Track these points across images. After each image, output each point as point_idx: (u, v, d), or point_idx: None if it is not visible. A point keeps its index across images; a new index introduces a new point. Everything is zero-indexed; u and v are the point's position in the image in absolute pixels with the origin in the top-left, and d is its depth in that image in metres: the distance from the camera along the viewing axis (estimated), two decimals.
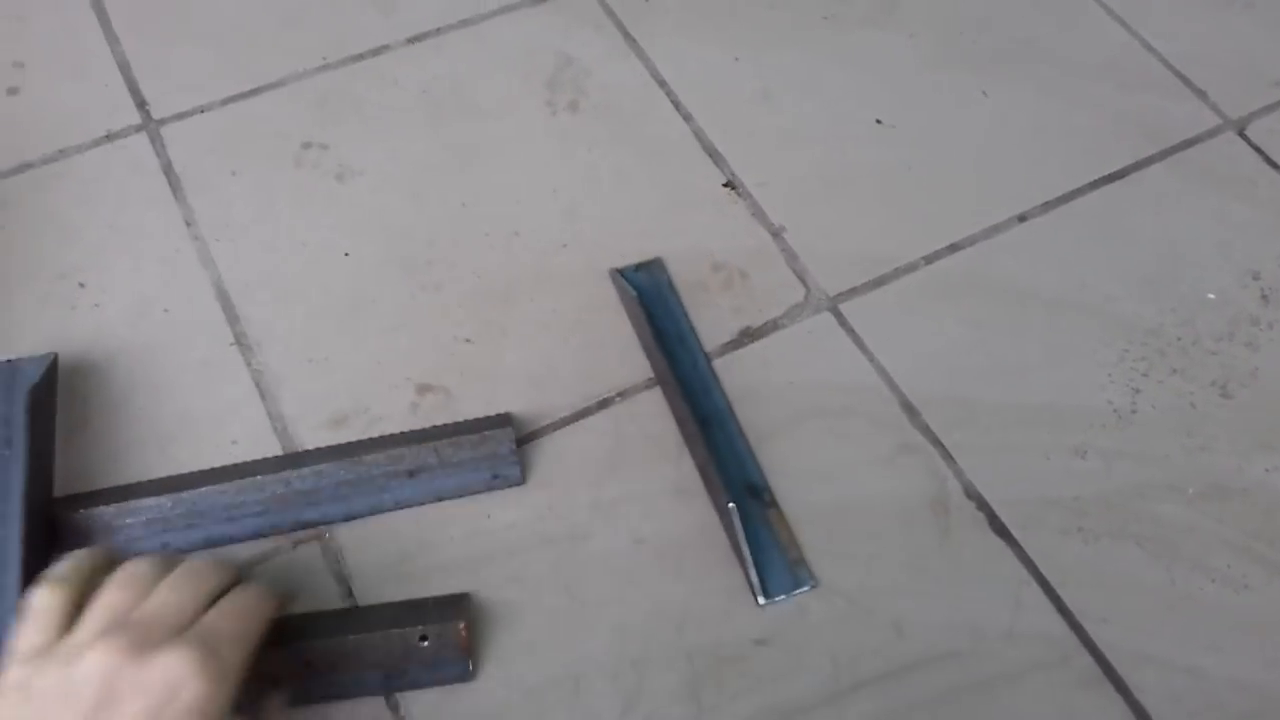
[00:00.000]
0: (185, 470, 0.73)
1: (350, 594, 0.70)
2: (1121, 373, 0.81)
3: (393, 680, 0.66)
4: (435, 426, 0.75)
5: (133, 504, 0.70)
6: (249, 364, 0.79)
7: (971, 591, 0.72)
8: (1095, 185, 0.91)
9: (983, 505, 0.75)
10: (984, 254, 0.87)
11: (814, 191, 0.90)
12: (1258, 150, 0.94)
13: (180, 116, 0.91)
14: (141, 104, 0.91)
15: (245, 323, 0.81)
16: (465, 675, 0.67)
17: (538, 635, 0.69)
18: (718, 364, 0.80)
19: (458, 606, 0.68)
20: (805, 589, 0.70)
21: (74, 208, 0.86)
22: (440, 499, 0.73)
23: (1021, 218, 0.89)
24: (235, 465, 0.73)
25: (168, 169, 0.88)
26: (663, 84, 0.95)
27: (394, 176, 0.89)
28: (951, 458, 0.77)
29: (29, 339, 0.79)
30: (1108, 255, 0.87)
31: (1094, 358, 0.82)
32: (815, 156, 0.92)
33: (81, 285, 0.82)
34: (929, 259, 0.86)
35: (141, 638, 0.52)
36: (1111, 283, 0.85)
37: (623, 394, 0.79)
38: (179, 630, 0.53)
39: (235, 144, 0.90)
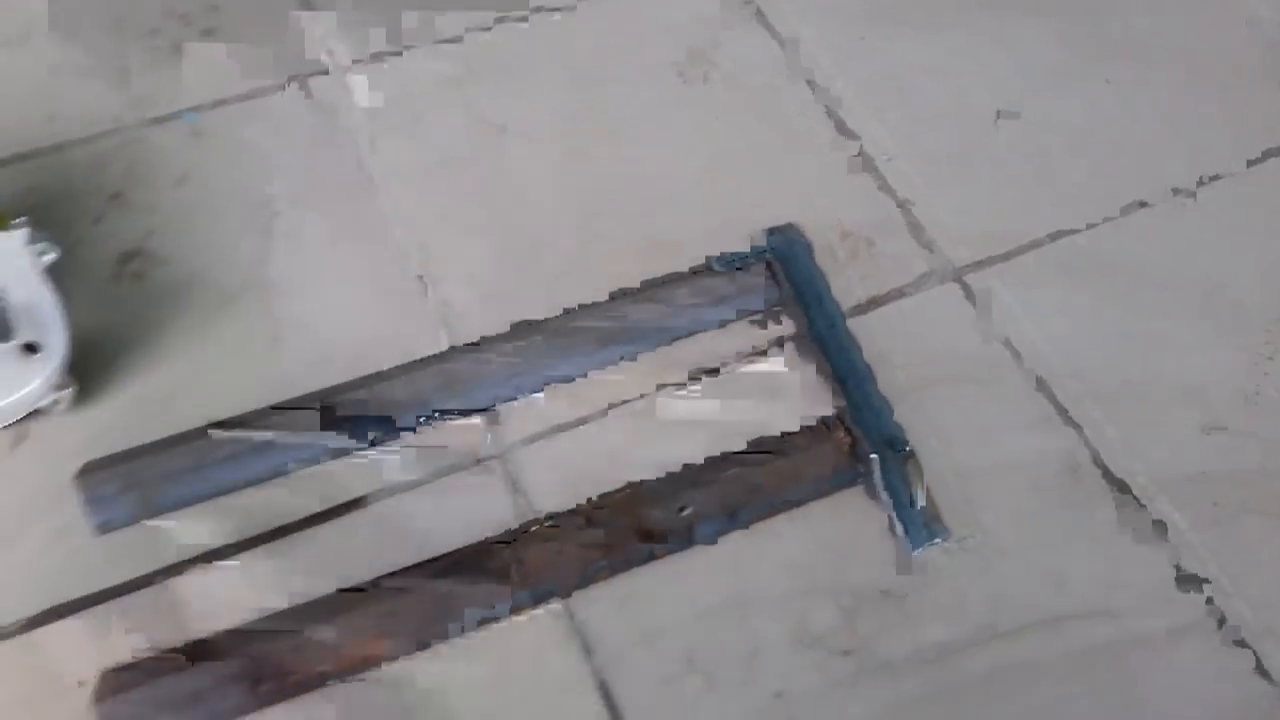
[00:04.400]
0: None
1: None
2: (1248, 355, 0.85)
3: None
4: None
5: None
6: (432, 294, 0.85)
7: (1096, 553, 0.76)
8: (1220, 176, 0.95)
9: (1110, 475, 0.80)
10: (1108, 236, 0.91)
11: (941, 168, 0.94)
12: None
13: (366, 63, 0.96)
14: (329, 51, 0.97)
15: (428, 257, 0.86)
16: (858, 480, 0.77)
17: (711, 559, 0.74)
18: (851, 325, 0.85)
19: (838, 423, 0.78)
20: (940, 541, 0.75)
21: (269, 143, 0.92)
22: (724, 325, 0.83)
23: (1144, 204, 0.93)
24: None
25: (356, 112, 0.94)
26: (795, 61, 1.01)
27: (551, 136, 0.94)
28: (1079, 427, 0.81)
29: (230, 260, 0.85)
30: (1231, 244, 0.91)
31: (1220, 340, 0.86)
32: (942, 135, 0.96)
33: (278, 214, 0.88)
34: (1054, 237, 0.91)
35: None
36: (1234, 270, 0.90)
37: (764, 350, 0.84)
38: None
39: (416, 94, 0.95)
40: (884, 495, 0.75)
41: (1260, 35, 1.05)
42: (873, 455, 0.76)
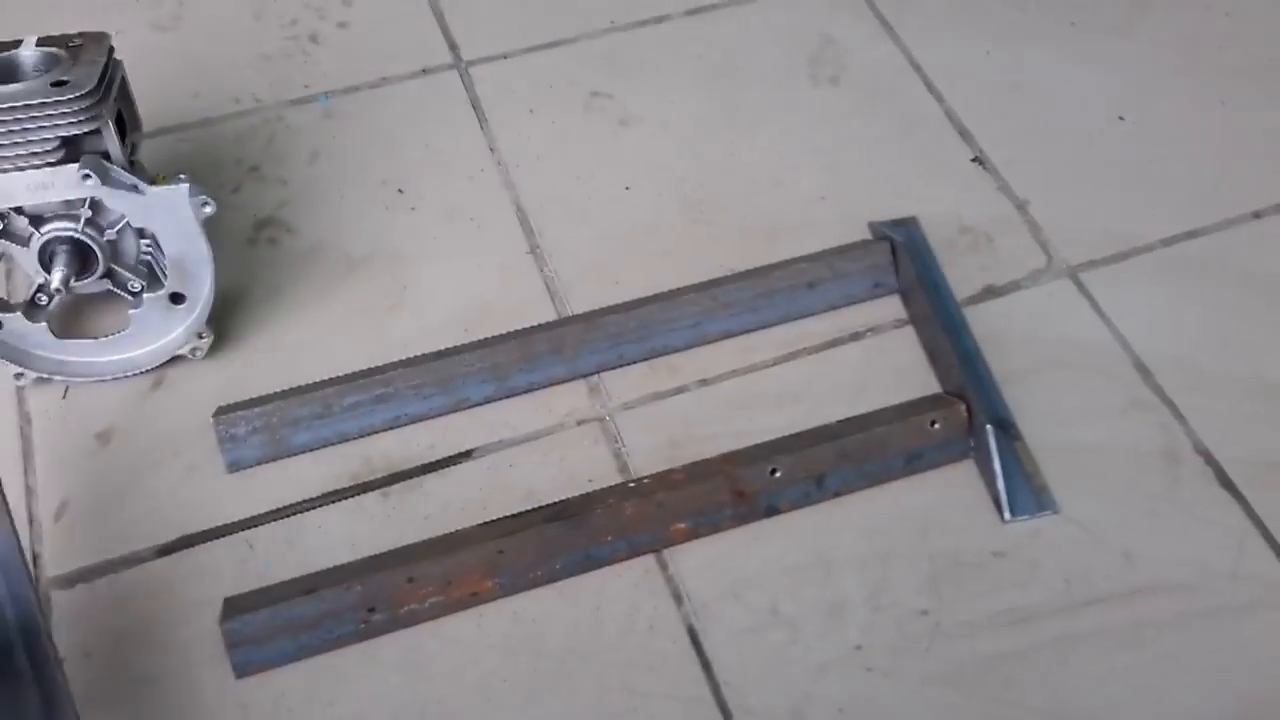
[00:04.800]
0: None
1: None
2: None
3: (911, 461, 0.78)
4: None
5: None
6: (541, 270, 0.89)
7: (1198, 534, 0.77)
8: None
9: (1211, 461, 0.80)
10: (1219, 243, 0.92)
11: (1058, 172, 0.96)
12: None
13: (487, 59, 1.03)
14: (453, 46, 1.04)
15: (539, 236, 0.91)
16: (968, 453, 0.79)
17: (801, 522, 0.77)
18: (965, 313, 0.87)
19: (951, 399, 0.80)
20: (1049, 512, 0.77)
21: (394, 127, 0.98)
22: (833, 308, 0.87)
23: (1257, 214, 0.94)
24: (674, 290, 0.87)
25: (475, 103, 1.00)
26: (917, 67, 1.04)
27: (670, 126, 0.99)
28: (1182, 416, 0.82)
29: (356, 231, 0.91)
30: None
31: None
32: (1060, 142, 0.99)
33: (400, 191, 0.94)
34: (1166, 242, 0.92)
35: None
36: None
37: (874, 329, 0.87)
38: None
39: (533, 87, 1.01)
40: (997, 466, 0.77)
41: None
42: (987, 427, 0.78)
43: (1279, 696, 0.70)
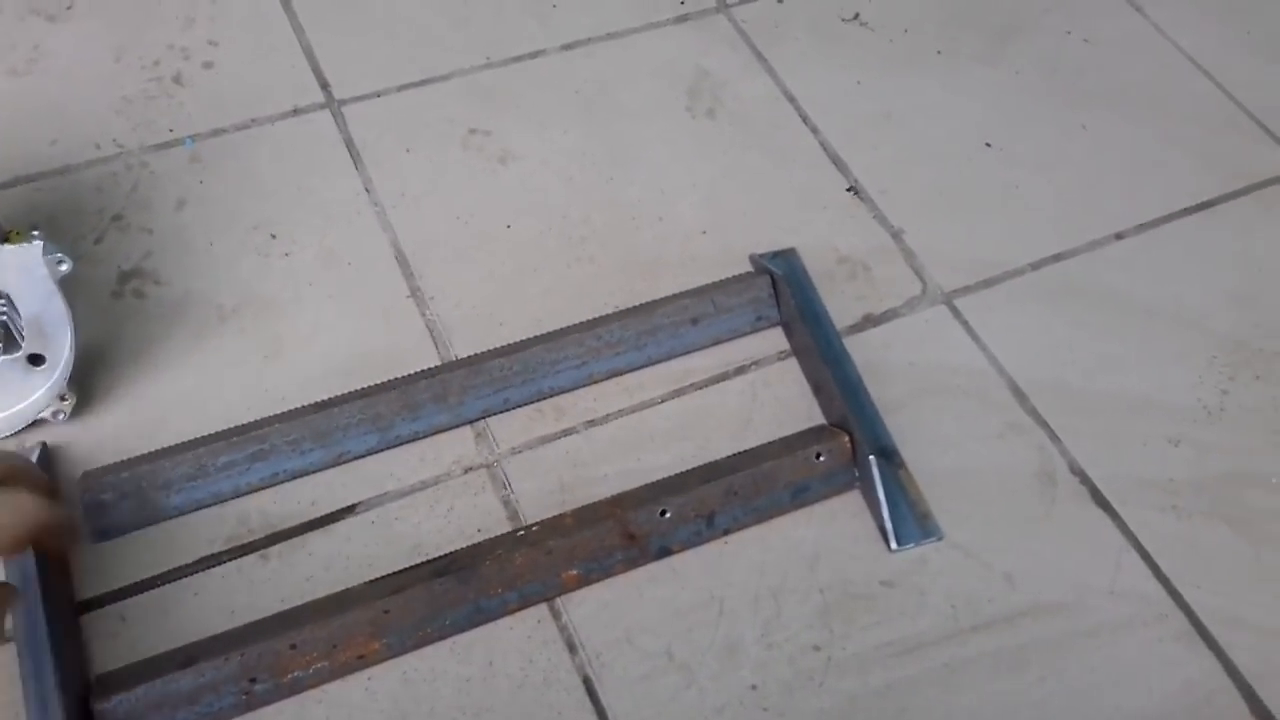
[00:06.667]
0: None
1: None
2: (1211, 376, 0.89)
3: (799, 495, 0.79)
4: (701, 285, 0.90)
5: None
6: (423, 314, 0.88)
7: (1075, 554, 0.79)
8: (1187, 212, 1.00)
9: (1086, 480, 0.83)
10: (1085, 265, 0.95)
11: (931, 201, 0.99)
12: None
13: (360, 98, 1.01)
14: (325, 85, 1.01)
15: (420, 278, 0.90)
16: (853, 484, 0.80)
17: (690, 562, 0.77)
18: (845, 342, 0.88)
19: (835, 430, 0.81)
20: (934, 539, 0.78)
21: (265, 170, 0.95)
22: (717, 342, 0.88)
23: (1119, 235, 0.97)
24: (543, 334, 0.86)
25: (349, 143, 0.98)
26: (791, 99, 1.05)
27: (550, 162, 0.98)
28: (1057, 437, 0.85)
29: (228, 280, 0.88)
30: (1199, 273, 0.95)
31: (1186, 361, 0.90)
32: (931, 170, 1.01)
33: (273, 236, 0.91)
34: (1035, 265, 0.95)
35: None
36: (1202, 297, 0.94)
37: (758, 363, 0.87)
38: None
39: (409, 125, 0.99)
40: (881, 495, 0.78)
41: (1219, 89, 1.10)
42: (870, 457, 0.79)
43: (1157, 711, 0.73)
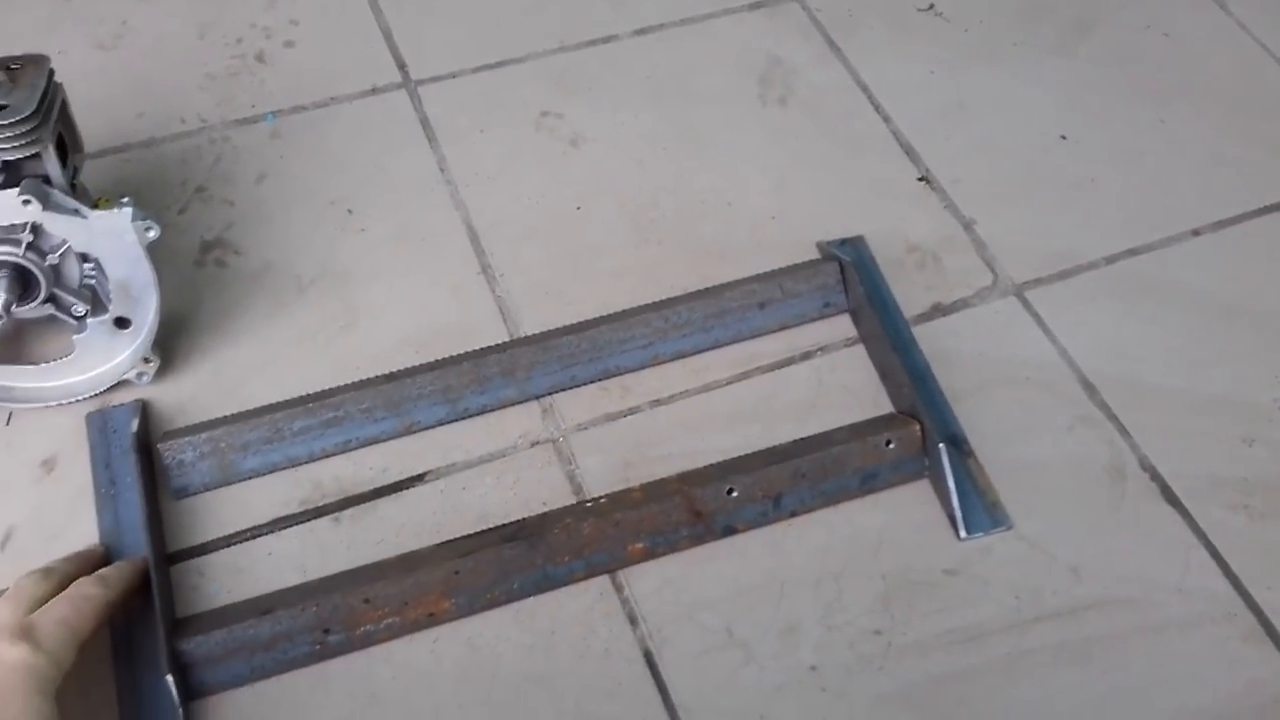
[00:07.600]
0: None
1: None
2: None
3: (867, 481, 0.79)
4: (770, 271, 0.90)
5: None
6: (493, 291, 0.89)
7: (1144, 549, 0.78)
8: (1266, 210, 0.98)
9: (1156, 477, 0.82)
10: (1160, 261, 0.94)
11: (1003, 192, 0.98)
12: None
13: (436, 79, 1.02)
14: (402, 65, 1.03)
15: (490, 256, 0.91)
16: (921, 473, 0.80)
17: (754, 542, 0.77)
18: (914, 331, 0.88)
19: (906, 418, 0.81)
20: (1004, 528, 0.78)
21: (343, 146, 0.97)
22: (784, 327, 0.87)
23: (1195, 232, 0.96)
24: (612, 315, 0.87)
25: (424, 122, 0.99)
26: (864, 88, 1.05)
27: (620, 146, 0.99)
28: (1127, 432, 0.84)
29: (305, 252, 0.90)
30: (1277, 272, 0.94)
31: (1261, 360, 0.88)
32: (1005, 162, 1.00)
33: (349, 211, 0.93)
34: (1109, 260, 0.94)
35: None
36: (1277, 296, 0.92)
37: (824, 349, 0.87)
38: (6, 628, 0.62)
39: (483, 106, 1.01)
40: (950, 483, 0.78)
41: None
42: (940, 444, 0.78)
43: (1221, 710, 0.72)
